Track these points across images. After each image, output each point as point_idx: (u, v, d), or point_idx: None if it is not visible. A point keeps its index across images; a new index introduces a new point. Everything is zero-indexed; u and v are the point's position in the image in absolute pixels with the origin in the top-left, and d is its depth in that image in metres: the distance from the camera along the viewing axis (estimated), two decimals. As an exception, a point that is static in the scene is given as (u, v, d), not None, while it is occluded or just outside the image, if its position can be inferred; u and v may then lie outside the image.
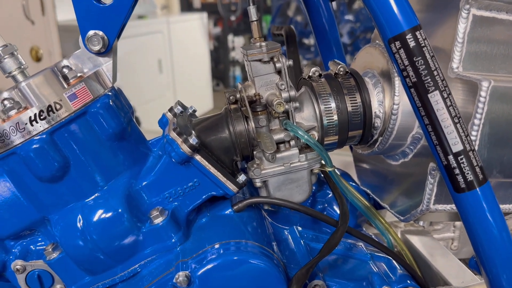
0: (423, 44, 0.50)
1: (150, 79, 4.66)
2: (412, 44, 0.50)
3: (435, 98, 0.51)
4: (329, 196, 0.85)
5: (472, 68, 0.61)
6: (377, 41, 0.73)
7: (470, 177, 0.52)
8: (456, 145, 0.51)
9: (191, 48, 5.34)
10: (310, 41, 4.25)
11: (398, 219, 0.74)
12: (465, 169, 0.52)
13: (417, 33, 0.50)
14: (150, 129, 4.01)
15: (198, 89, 5.58)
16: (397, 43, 0.50)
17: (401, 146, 0.69)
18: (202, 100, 5.66)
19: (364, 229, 0.90)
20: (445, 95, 0.51)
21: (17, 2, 2.67)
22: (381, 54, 0.69)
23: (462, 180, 0.52)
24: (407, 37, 0.50)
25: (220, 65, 6.86)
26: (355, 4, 4.03)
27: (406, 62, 0.51)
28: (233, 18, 6.40)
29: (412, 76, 0.51)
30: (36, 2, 2.67)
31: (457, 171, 0.52)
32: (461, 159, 0.52)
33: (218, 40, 6.82)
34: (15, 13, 2.69)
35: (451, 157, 0.52)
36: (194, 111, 0.76)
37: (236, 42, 6.71)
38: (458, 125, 0.51)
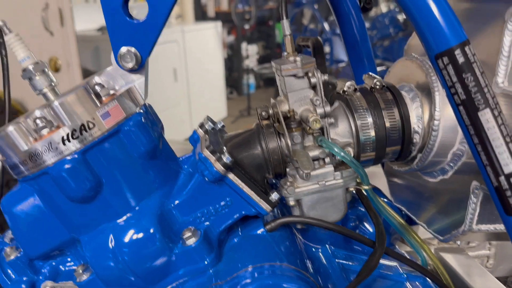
0: (472, 60, 0.48)
1: (165, 88, 4.68)
2: (461, 60, 0.47)
3: (486, 117, 0.48)
4: (361, 213, 0.82)
5: (518, 82, 0.58)
6: (412, 54, 0.71)
7: (524, 199, 0.49)
8: (507, 166, 0.49)
9: (206, 56, 5.36)
10: (325, 48, 4.23)
11: (437, 239, 0.71)
12: (518, 191, 0.49)
13: (466, 48, 0.48)
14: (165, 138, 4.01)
15: (212, 97, 5.60)
16: (445, 59, 0.48)
17: (440, 163, 0.67)
18: (216, 108, 5.68)
19: (397, 246, 0.87)
20: (496, 113, 0.48)
21: (37, 14, 2.71)
22: (419, 67, 0.66)
23: (514, 202, 0.49)
24: (456, 52, 0.48)
25: (234, 73, 6.88)
26: (371, 11, 4.01)
27: (455, 79, 0.48)
28: (247, 26, 6.43)
29: (461, 93, 0.48)
30: (55, 13, 2.70)
31: (509, 193, 0.49)
32: (514, 180, 0.49)
33: (232, 49, 6.84)
34: (35, 24, 2.73)
35: (502, 178, 0.49)
36: (223, 126, 0.74)
37: (249, 50, 6.73)
38: (510, 144, 0.49)
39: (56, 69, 2.84)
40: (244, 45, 6.65)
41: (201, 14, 6.32)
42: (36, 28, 2.74)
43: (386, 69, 0.76)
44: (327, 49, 4.23)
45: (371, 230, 0.81)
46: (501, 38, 0.59)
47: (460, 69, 0.48)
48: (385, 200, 0.85)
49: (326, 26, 4.27)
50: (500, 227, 0.64)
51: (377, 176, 0.99)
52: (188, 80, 5.05)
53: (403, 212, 0.84)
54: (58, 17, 2.70)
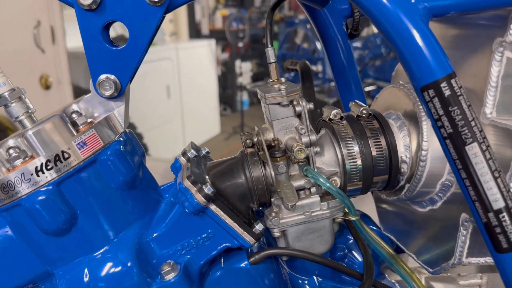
0: (459, 93, 0.46)
1: (158, 105, 4.68)
2: (447, 93, 0.46)
3: (473, 151, 0.47)
4: (350, 241, 0.80)
5: (506, 113, 0.57)
6: (400, 82, 0.70)
7: (514, 237, 0.47)
8: (497, 202, 0.47)
9: (199, 73, 5.38)
10: (318, 67, 4.26)
11: (427, 271, 0.69)
12: (507, 228, 0.47)
13: (452, 81, 0.46)
14: (157, 156, 3.99)
15: (206, 114, 5.59)
16: (431, 91, 0.47)
17: (429, 193, 0.65)
18: (209, 124, 5.67)
19: (387, 275, 0.85)
20: (484, 148, 0.47)
21: (28, 31, 2.70)
22: (406, 95, 0.65)
23: (504, 239, 0.48)
24: (442, 85, 0.46)
25: (228, 90, 6.90)
26: (363, 31, 4.04)
27: (441, 112, 0.47)
28: (240, 44, 6.47)
29: (447, 126, 0.47)
30: (47, 31, 2.70)
31: (498, 230, 0.48)
32: (503, 217, 0.47)
33: (226, 66, 6.88)
34: (26, 41, 2.72)
35: (491, 214, 0.47)
36: (208, 152, 0.72)
37: (243, 67, 6.77)
38: (498, 179, 0.47)
39: (47, 87, 2.83)
40: (238, 62, 6.69)
41: (195, 32, 6.36)
42: (27, 45, 2.72)
43: (378, 89, 0.75)
44: (319, 68, 4.25)
45: (360, 259, 0.79)
46: (489, 66, 0.58)
47: (446, 102, 0.47)
48: (374, 228, 0.83)
49: (319, 45, 4.31)
50: (492, 259, 0.62)
51: (366, 201, 0.97)
52: (181, 97, 5.04)
53: (392, 242, 0.81)
54: (50, 34, 2.70)
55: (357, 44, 3.87)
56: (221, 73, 6.78)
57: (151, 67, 4.51)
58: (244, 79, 6.79)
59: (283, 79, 0.65)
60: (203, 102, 5.53)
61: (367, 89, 3.35)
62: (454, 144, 0.47)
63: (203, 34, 6.57)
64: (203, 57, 5.49)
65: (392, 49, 0.50)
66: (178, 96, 5.00)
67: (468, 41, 0.65)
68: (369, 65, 3.73)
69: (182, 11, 5.88)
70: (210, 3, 6.98)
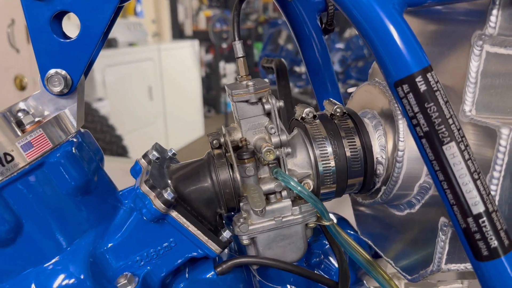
0: (435, 88, 0.43)
1: (140, 107, 4.59)
2: (422, 88, 0.43)
3: (451, 151, 0.43)
4: (327, 247, 0.76)
5: (486, 110, 0.54)
6: (376, 79, 0.66)
7: (494, 243, 0.44)
8: (476, 206, 0.44)
9: (182, 75, 5.31)
10: (301, 69, 4.23)
11: (405, 278, 0.66)
12: (487, 234, 0.44)
13: (428, 75, 0.43)
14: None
15: (189, 116, 5.52)
16: (405, 86, 0.43)
17: (406, 196, 0.61)
18: (193, 126, 5.60)
19: (365, 282, 0.81)
20: (463, 147, 0.43)
21: (2, 31, 2.61)
22: (382, 93, 0.62)
23: (484, 246, 0.44)
24: (417, 79, 0.43)
25: (212, 91, 6.84)
26: (346, 32, 4.03)
27: (416, 109, 0.43)
28: (224, 45, 6.42)
29: (423, 124, 0.43)
30: (21, 30, 2.61)
31: (478, 236, 0.44)
32: (483, 222, 0.44)
33: (210, 67, 6.81)
34: (0, 41, 2.63)
35: (470, 219, 0.44)
36: (174, 154, 0.68)
37: (227, 68, 6.72)
38: (478, 181, 0.44)
39: (22, 88, 2.74)
40: (222, 63, 6.63)
41: (178, 33, 6.28)
42: (1, 45, 2.63)
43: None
44: (303, 69, 4.23)
45: (337, 265, 0.76)
46: (468, 62, 0.54)
47: (422, 98, 0.43)
48: (351, 233, 0.80)
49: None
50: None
51: (345, 203, 0.93)
52: (164, 99, 4.97)
53: (371, 248, 0.78)
54: (25, 33, 2.61)
55: (340, 45, 3.85)
56: (205, 74, 6.72)
57: (132, 68, 4.43)
58: (229, 80, 6.73)
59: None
60: (187, 104, 5.45)
61: (350, 90, 3.34)
62: (431, 143, 0.43)
63: (186, 35, 6.50)
64: (186, 58, 5.42)
65: (364, 42, 0.47)
66: (160, 98, 4.92)
67: (447, 37, 0.62)
68: (352, 66, 3.71)
69: (165, 11, 5.81)
70: (194, 3, 6.92)
